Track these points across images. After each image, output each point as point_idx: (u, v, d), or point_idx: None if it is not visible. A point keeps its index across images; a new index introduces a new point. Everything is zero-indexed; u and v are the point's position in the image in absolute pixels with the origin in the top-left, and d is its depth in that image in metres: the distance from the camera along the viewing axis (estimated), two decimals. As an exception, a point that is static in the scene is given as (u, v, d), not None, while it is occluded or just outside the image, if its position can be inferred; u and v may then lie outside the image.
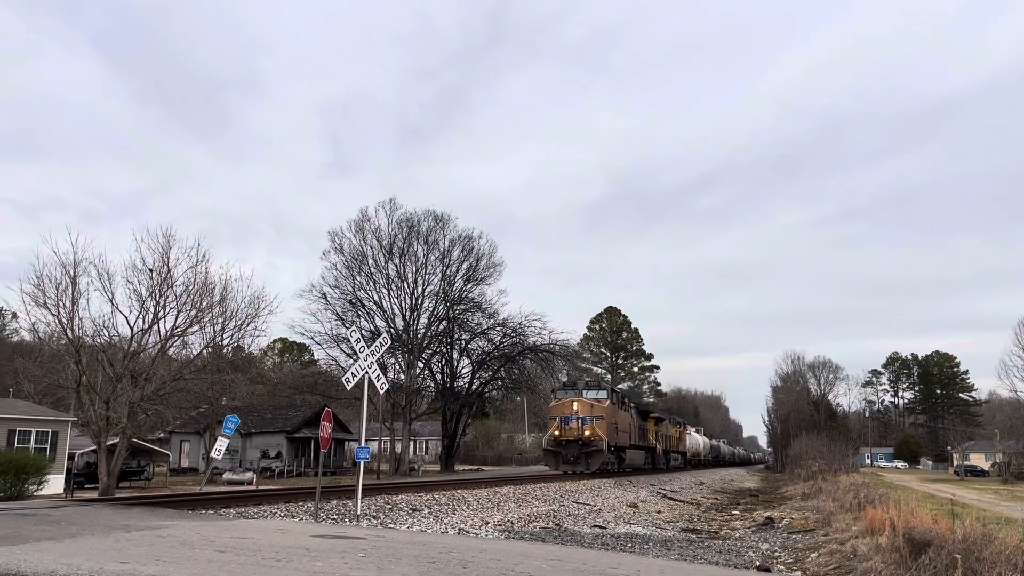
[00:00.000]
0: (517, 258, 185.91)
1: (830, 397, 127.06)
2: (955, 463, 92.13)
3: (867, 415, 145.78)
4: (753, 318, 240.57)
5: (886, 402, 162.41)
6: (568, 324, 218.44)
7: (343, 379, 14.79)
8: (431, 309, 56.02)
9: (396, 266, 55.39)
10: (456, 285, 57.03)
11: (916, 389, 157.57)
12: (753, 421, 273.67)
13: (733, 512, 30.97)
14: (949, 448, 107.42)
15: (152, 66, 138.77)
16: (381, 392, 15.61)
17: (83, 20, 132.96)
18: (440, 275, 56.62)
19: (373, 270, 54.98)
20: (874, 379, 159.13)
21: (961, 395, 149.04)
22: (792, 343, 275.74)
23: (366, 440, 15.71)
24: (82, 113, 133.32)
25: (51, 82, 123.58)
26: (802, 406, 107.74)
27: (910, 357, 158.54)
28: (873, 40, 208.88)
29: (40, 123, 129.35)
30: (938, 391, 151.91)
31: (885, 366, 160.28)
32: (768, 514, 28.24)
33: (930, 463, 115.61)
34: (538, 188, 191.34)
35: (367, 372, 15.25)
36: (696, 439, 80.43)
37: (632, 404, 50.40)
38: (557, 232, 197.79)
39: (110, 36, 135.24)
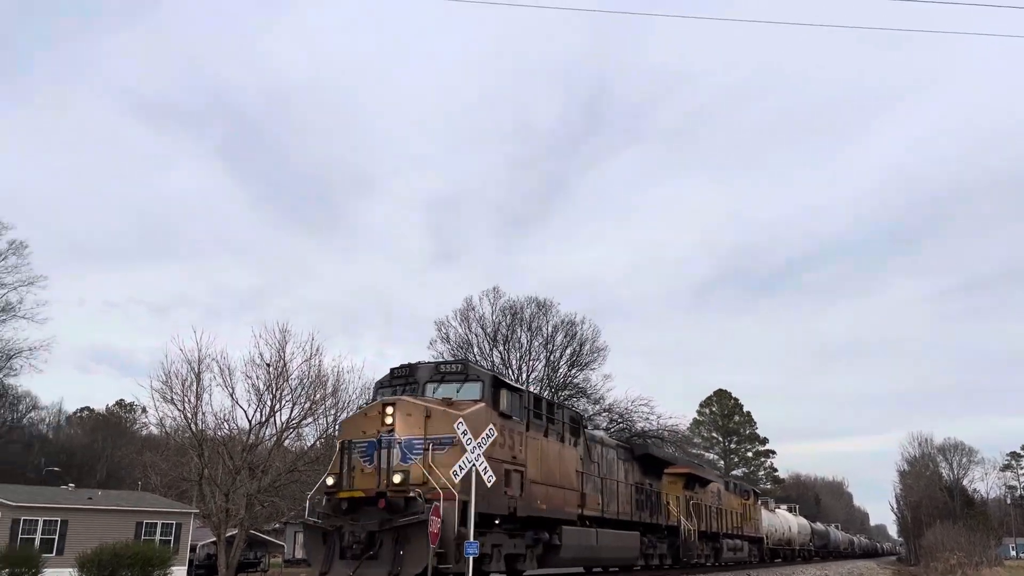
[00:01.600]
0: (621, 341, 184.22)
1: (965, 482, 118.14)
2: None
3: (1008, 502, 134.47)
4: (873, 397, 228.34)
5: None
6: (676, 408, 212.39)
7: (451, 472, 14.86)
8: (536, 396, 55.83)
9: (500, 353, 55.94)
10: (560, 371, 56.94)
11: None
12: (880, 509, 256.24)
13: (864, 610, 28.82)
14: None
15: (270, 171, 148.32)
16: (488, 484, 15.58)
17: (209, 132, 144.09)
18: (544, 361, 56.74)
19: (478, 357, 55.61)
20: (1014, 462, 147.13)
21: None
22: (918, 424, 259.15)
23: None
24: (207, 217, 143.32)
25: (180, 190, 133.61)
26: (934, 492, 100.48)
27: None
28: (986, 105, 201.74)
29: (170, 228, 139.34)
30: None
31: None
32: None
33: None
34: (640, 270, 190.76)
35: (474, 464, 15.27)
36: (784, 520, 55.21)
37: (612, 439, 27.63)
38: (661, 313, 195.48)
39: (233, 145, 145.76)
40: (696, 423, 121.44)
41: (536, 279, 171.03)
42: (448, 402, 16.56)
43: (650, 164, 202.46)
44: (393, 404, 16.01)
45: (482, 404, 16.92)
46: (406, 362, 18.41)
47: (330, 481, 15.84)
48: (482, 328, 56.20)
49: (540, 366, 56.69)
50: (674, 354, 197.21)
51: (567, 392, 56.49)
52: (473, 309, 56.62)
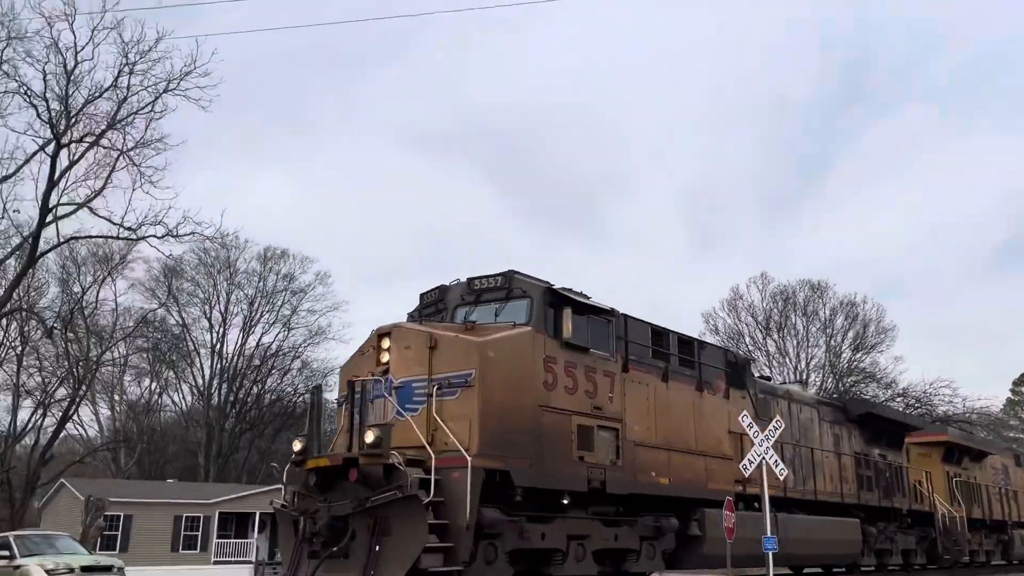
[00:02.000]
0: (909, 319, 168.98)
1: None
2: None
3: None
4: None
5: None
6: (984, 388, 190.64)
7: (740, 466, 14.62)
8: (819, 383, 53.07)
9: (775, 341, 53.85)
10: (843, 356, 53.57)
11: None
12: None
13: None
14: None
15: (533, 186, 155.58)
16: (781, 479, 15.13)
17: (479, 158, 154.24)
18: (824, 347, 53.76)
19: (751, 347, 53.88)
20: None
21: None
22: None
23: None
24: (481, 235, 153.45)
25: (455, 212, 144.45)
26: None
27: None
28: None
29: (449, 247, 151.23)
30: None
31: None
32: None
33: None
34: (924, 240, 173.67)
35: (763, 458, 14.87)
36: None
37: (813, 395, 22.29)
38: (954, 285, 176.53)
39: (499, 167, 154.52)
40: (1011, 403, 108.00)
41: (804, 261, 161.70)
42: (469, 326, 11.56)
43: (921, 125, 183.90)
44: (388, 333, 11.57)
45: (527, 328, 11.48)
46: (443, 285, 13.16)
47: (297, 446, 11.16)
48: (752, 317, 54.49)
49: (820, 352, 53.84)
50: (971, 330, 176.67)
51: (853, 378, 53.03)
52: (741, 298, 55.08)
